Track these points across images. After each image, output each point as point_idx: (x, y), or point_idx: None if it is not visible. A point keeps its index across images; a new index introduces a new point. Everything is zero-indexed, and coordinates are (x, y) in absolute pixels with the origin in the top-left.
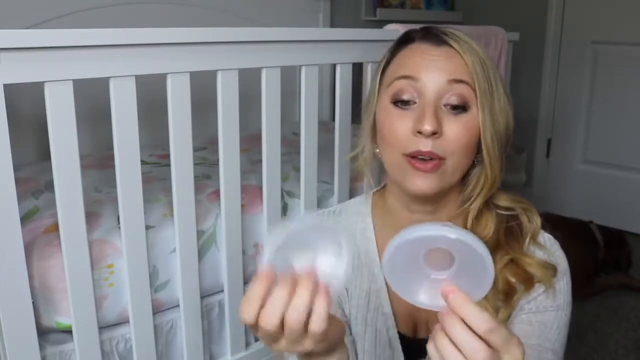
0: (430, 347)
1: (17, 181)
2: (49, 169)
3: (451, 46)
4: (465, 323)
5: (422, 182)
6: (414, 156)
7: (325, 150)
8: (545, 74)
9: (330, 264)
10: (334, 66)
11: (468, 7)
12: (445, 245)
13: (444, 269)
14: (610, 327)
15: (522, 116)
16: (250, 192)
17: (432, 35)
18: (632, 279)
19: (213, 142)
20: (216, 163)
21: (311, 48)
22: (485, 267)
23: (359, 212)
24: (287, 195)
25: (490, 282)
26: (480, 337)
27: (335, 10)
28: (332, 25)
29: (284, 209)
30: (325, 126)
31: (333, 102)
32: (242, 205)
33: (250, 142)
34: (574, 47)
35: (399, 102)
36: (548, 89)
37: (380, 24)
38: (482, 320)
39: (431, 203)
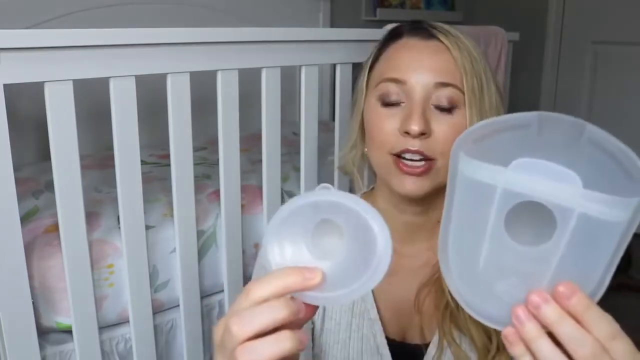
0: (517, 349)
1: (17, 181)
2: (49, 169)
3: (440, 40)
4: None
5: (412, 185)
6: (402, 156)
7: (325, 150)
8: (545, 74)
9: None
10: (334, 66)
11: (468, 7)
12: (325, 215)
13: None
14: None
15: None
16: (250, 192)
17: (420, 29)
18: (632, 279)
19: (213, 142)
20: (216, 163)
21: (311, 48)
22: (373, 235)
23: None
24: (287, 195)
25: (384, 259)
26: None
27: (335, 10)
28: (332, 25)
29: None
30: (325, 126)
31: (333, 102)
32: (242, 205)
33: (250, 142)
34: (574, 47)
35: (387, 104)
36: (548, 89)
37: (380, 24)
38: (606, 323)
39: (421, 204)
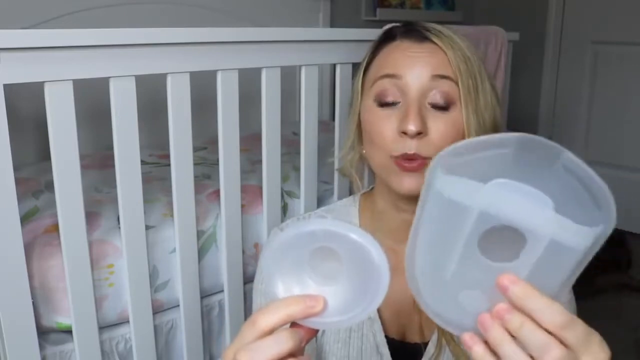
0: (477, 349)
1: (17, 181)
2: (49, 169)
3: (434, 42)
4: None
5: (410, 182)
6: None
7: (325, 150)
8: (545, 74)
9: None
10: (334, 66)
11: (468, 7)
12: (321, 244)
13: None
14: (610, 327)
15: (522, 116)
16: (250, 192)
17: (414, 31)
18: (632, 279)
19: (213, 142)
20: (216, 163)
21: (311, 48)
22: (372, 261)
23: (347, 214)
24: (287, 195)
25: (382, 283)
26: (551, 333)
27: (335, 10)
28: (332, 25)
29: (284, 209)
30: (325, 126)
31: (333, 102)
32: (242, 205)
33: (250, 142)
34: (574, 47)
35: (383, 105)
36: (548, 89)
37: (380, 24)
38: (554, 313)
39: None
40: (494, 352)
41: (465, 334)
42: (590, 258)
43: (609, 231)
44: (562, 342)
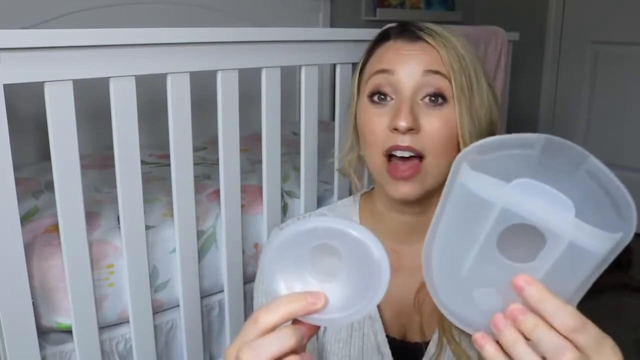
0: (489, 348)
1: (17, 181)
2: (49, 169)
3: (427, 41)
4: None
5: (405, 189)
6: (393, 154)
7: (325, 150)
8: (545, 74)
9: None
10: (334, 66)
11: (468, 7)
12: (322, 241)
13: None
14: (610, 327)
15: (522, 116)
16: (250, 192)
17: (407, 31)
18: (632, 279)
19: (213, 142)
20: (216, 163)
21: (311, 48)
22: (372, 257)
23: (347, 214)
24: (287, 195)
25: (383, 281)
26: (564, 336)
27: (335, 10)
28: (332, 25)
29: (284, 209)
30: (325, 126)
31: (333, 102)
32: (242, 205)
33: (250, 142)
34: (574, 47)
35: (376, 95)
36: (548, 89)
37: (380, 24)
38: (567, 316)
39: (418, 205)
40: (505, 353)
41: (476, 334)
42: (608, 264)
43: (628, 239)
44: (574, 345)
